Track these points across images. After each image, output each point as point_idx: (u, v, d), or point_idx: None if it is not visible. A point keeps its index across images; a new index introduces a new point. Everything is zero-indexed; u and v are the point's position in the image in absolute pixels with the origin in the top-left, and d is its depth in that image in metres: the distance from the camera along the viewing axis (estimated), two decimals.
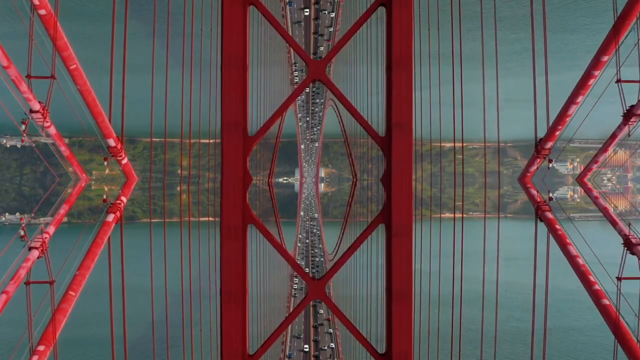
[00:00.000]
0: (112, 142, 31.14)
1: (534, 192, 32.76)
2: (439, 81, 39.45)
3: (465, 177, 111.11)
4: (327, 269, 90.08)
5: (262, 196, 71.51)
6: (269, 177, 61.37)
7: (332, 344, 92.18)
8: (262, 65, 54.68)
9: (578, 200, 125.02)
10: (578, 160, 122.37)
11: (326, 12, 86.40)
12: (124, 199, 32.59)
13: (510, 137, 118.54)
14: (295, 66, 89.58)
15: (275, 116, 9.30)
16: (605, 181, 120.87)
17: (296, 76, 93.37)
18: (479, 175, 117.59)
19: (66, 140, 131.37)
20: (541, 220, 30.91)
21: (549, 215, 30.95)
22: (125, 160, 33.05)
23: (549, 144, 30.88)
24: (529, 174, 33.64)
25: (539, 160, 31.77)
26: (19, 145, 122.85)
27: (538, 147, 31.04)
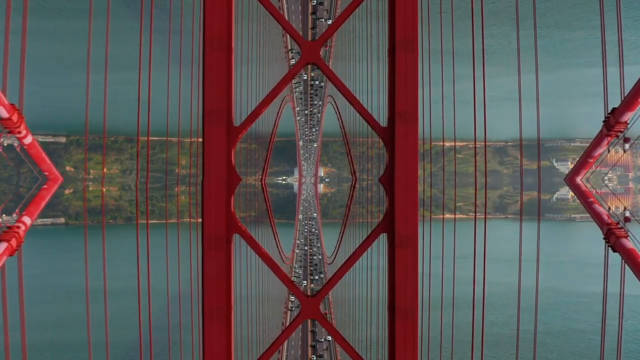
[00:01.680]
0: (4, 113, 23.66)
1: (599, 208, 23.50)
2: (436, 79, 38.54)
3: (466, 176, 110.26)
4: (326, 272, 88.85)
5: (260, 197, 70.49)
6: (262, 177, 59.59)
7: (329, 336, 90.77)
8: (259, 62, 53.74)
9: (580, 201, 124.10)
10: (574, 159, 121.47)
11: (323, 20, 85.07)
12: (27, 220, 24.90)
13: (510, 136, 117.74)
14: (292, 52, 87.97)
15: (265, 101, 8.33)
16: (605, 181, 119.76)
17: (293, 64, 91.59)
18: (479, 174, 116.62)
19: (63, 139, 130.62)
20: (614, 250, 22.55)
21: (628, 244, 22.13)
22: (29, 139, 25.18)
23: (627, 115, 21.56)
24: (590, 161, 23.53)
25: (609, 139, 22.90)
26: (16, 144, 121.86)
27: (609, 121, 22.06)
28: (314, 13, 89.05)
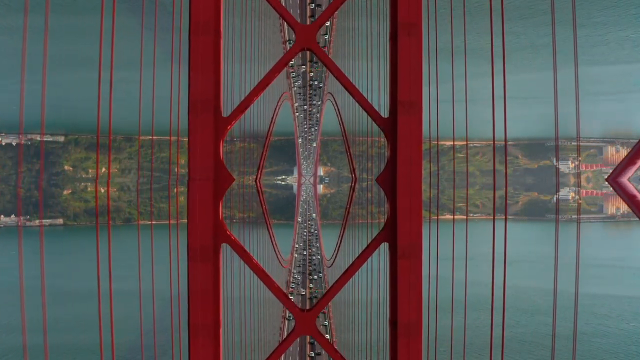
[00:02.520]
0: None
1: None
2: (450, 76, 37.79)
3: (464, 176, 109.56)
4: (325, 275, 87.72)
5: (259, 197, 69.62)
6: (256, 176, 57.42)
7: (326, 335, 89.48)
8: (255, 60, 53.14)
9: (580, 201, 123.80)
10: (580, 159, 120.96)
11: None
12: None
13: (511, 135, 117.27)
14: (289, 43, 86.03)
15: (257, 89, 7.66)
16: (606, 182, 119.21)
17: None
18: (479, 174, 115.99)
19: (62, 138, 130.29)
20: None
21: None
22: None
23: None
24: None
25: None
26: (14, 143, 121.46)
27: None
28: (312, 16, 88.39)
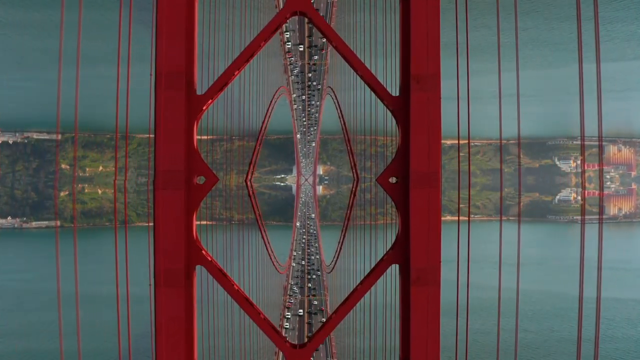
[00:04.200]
0: None
1: None
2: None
3: (466, 176, 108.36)
4: (324, 280, 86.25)
5: (260, 197, 68.05)
6: (247, 176, 53.13)
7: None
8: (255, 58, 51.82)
9: (581, 202, 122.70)
10: (581, 158, 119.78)
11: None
12: None
13: (512, 134, 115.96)
14: (285, 33, 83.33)
15: (238, 62, 6.35)
16: (608, 182, 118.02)
17: (288, 42, 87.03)
18: (480, 173, 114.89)
19: (59, 137, 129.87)
20: None
21: None
22: None
23: None
24: None
25: None
26: (11, 142, 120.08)
27: None
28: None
